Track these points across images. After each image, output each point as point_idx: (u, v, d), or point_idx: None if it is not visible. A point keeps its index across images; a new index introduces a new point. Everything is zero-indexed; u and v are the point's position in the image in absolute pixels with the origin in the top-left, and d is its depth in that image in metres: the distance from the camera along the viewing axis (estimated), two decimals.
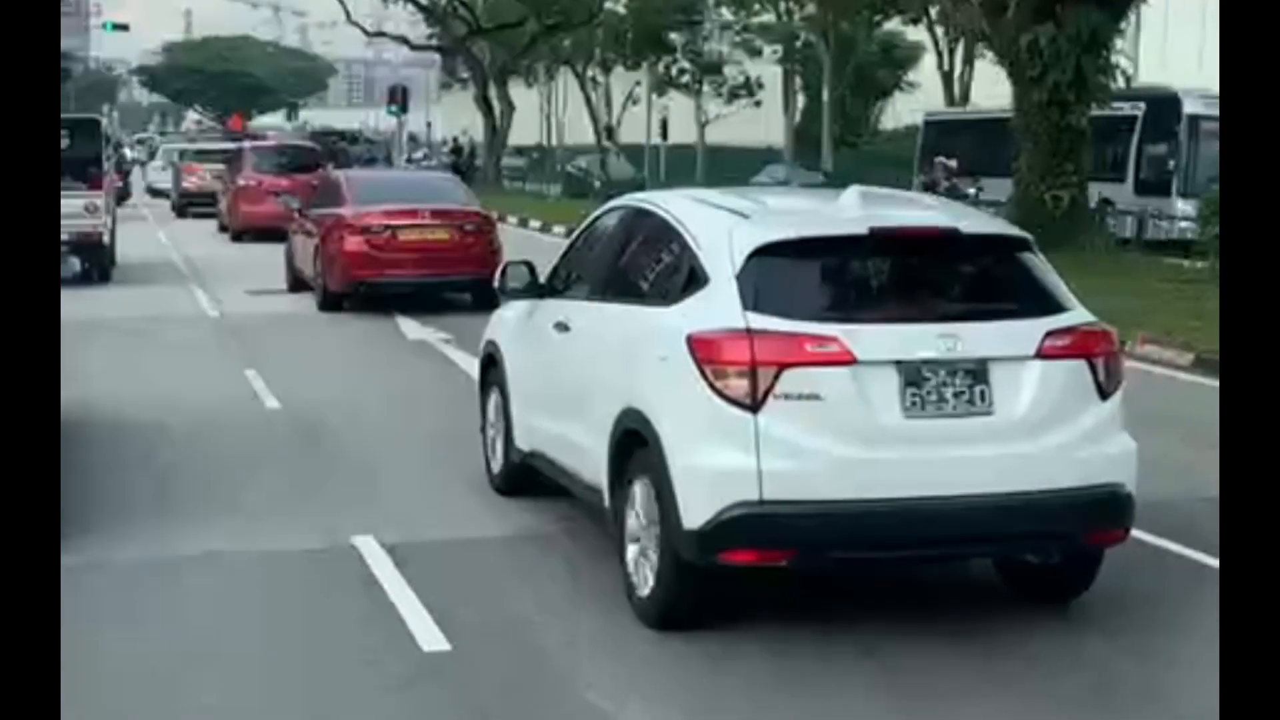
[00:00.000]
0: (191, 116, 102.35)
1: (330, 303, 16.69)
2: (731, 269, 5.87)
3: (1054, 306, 5.99)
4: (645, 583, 6.09)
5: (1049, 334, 5.83)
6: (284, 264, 18.94)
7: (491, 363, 8.27)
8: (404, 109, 46.79)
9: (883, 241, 5.96)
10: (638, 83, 55.98)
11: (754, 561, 5.71)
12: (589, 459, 6.64)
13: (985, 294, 6.13)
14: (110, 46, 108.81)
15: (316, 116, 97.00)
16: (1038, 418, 5.77)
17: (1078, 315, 6.02)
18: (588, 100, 61.05)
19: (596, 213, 7.62)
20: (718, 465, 5.65)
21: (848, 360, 5.60)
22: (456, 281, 16.63)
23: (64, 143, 18.29)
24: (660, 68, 54.70)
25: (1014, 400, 5.75)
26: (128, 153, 44.28)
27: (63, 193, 17.23)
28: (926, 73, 48.37)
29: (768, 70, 51.56)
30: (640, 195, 7.55)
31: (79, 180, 18.12)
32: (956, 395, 5.71)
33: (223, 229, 28.66)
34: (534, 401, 7.57)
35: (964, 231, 6.12)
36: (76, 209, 17.77)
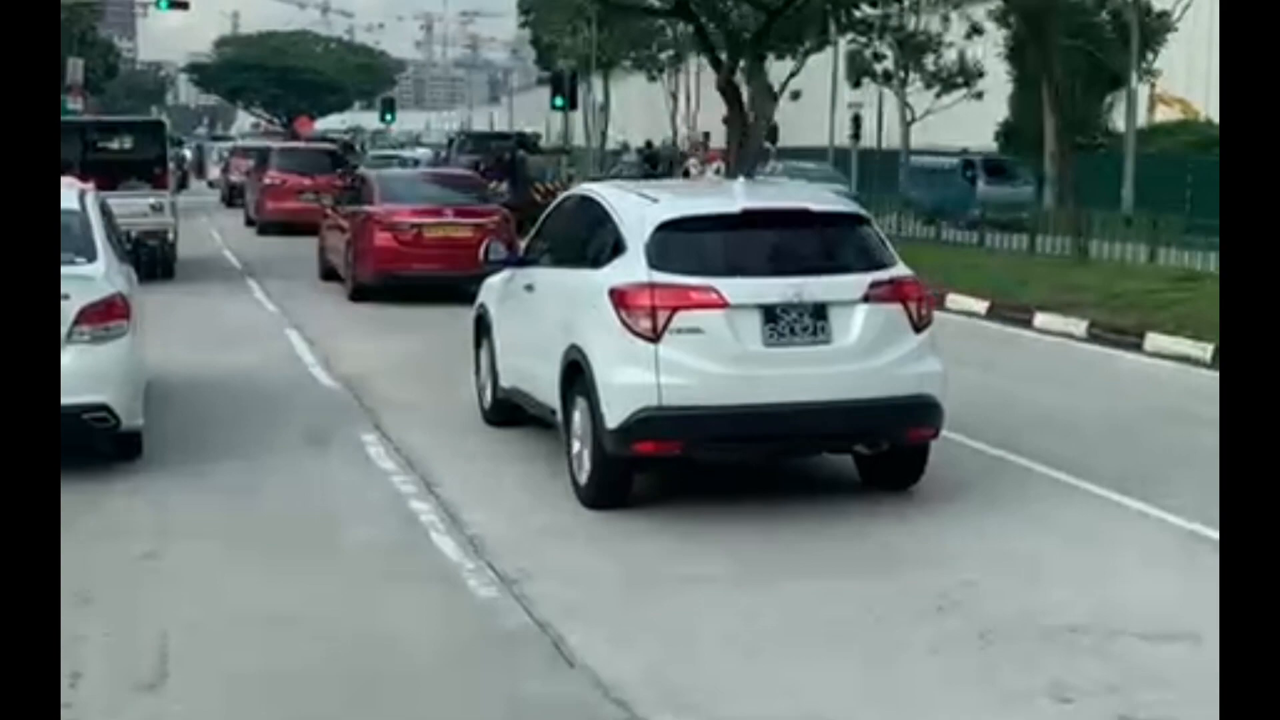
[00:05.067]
0: (247, 120, 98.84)
1: (360, 293, 19.45)
2: (642, 240, 8.59)
3: (879, 264, 8.69)
4: (583, 474, 8.80)
5: (873, 284, 8.51)
6: (317, 257, 21.85)
7: (481, 320, 11.07)
8: (572, 102, 41.92)
9: (752, 217, 8.71)
10: (792, 73, 48.04)
11: (655, 450, 8.42)
12: (547, 386, 9.36)
13: (827, 255, 8.81)
14: (156, 47, 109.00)
15: (369, 120, 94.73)
16: (864, 346, 8.45)
17: (898, 270, 8.71)
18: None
19: (557, 200, 10.42)
20: (629, 381, 8.35)
21: (722, 304, 8.29)
22: (479, 276, 19.24)
23: (129, 143, 21.07)
24: (842, 44, 44.95)
25: (846, 333, 8.44)
26: (186, 153, 47.80)
27: (130, 192, 19.94)
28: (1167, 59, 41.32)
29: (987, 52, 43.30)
30: (586, 186, 10.29)
31: (144, 180, 20.56)
32: (803, 329, 8.39)
33: (249, 223, 32.33)
34: (511, 347, 10.36)
35: (812, 209, 8.86)
36: (142, 208, 19.91)
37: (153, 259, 19.78)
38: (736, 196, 8.97)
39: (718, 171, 21.69)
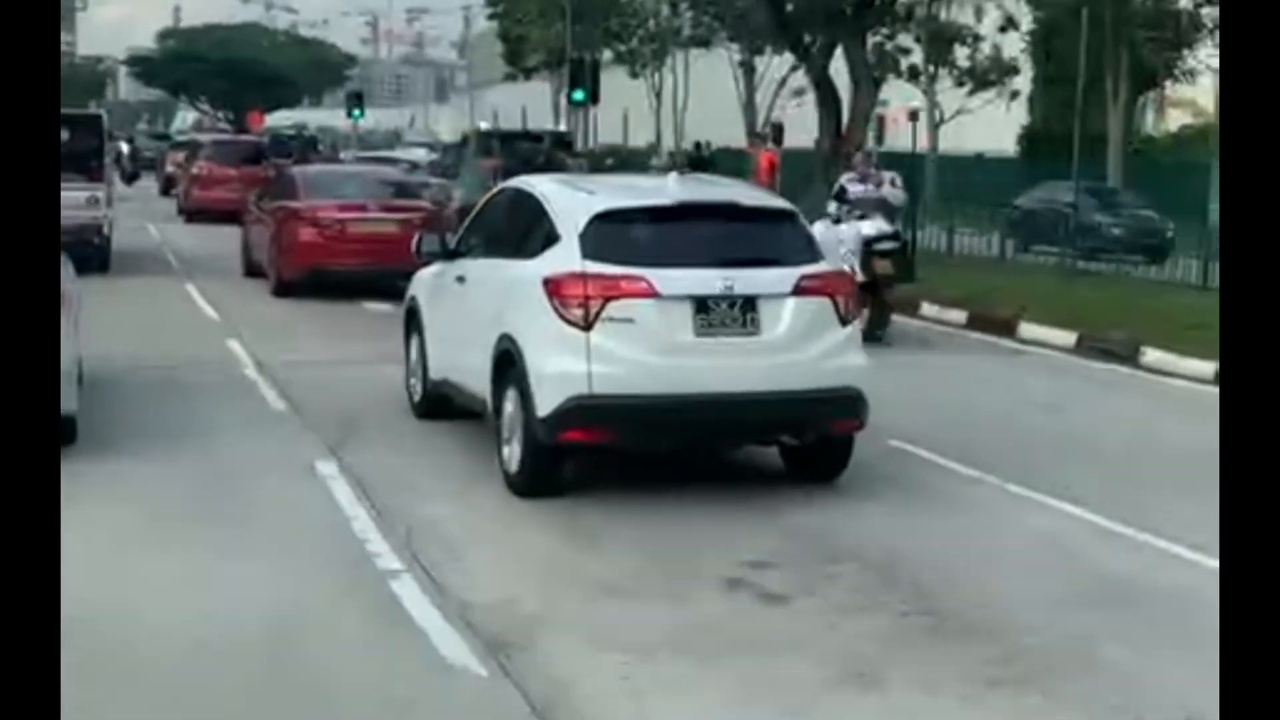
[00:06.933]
0: (190, 115, 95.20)
1: (283, 289, 19.52)
2: (576, 230, 8.84)
3: (809, 259, 8.99)
4: (512, 463, 9.02)
5: (802, 278, 8.81)
6: (240, 251, 21.89)
7: (412, 313, 11.27)
8: (595, 95, 36.61)
9: (685, 210, 9.00)
10: (794, 68, 43.56)
11: (585, 439, 8.66)
12: (479, 376, 9.57)
13: (757, 249, 9.09)
14: (96, 41, 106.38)
15: (313, 117, 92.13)
16: (793, 338, 8.74)
17: (827, 265, 9.00)
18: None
19: (490, 192, 10.65)
20: (561, 370, 8.59)
21: (654, 294, 8.55)
22: (403, 271, 19.36)
23: (66, 137, 20.98)
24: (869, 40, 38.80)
25: (775, 325, 8.72)
26: (123, 147, 46.72)
27: (65, 186, 19.84)
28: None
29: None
30: (521, 179, 10.52)
31: (80, 174, 20.41)
32: (733, 321, 8.67)
33: (180, 211, 34.57)
34: (442, 339, 10.57)
35: (742, 204, 9.14)
36: (78, 201, 19.81)
37: (88, 253, 19.74)
38: (672, 189, 9.24)
39: (893, 183, 17.18)
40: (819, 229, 15.65)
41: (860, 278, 14.75)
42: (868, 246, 15.76)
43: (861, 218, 16.20)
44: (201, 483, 9.09)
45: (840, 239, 15.66)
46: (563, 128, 43.42)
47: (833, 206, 16.65)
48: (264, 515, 8.40)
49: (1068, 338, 15.92)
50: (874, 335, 14.75)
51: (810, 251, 9.09)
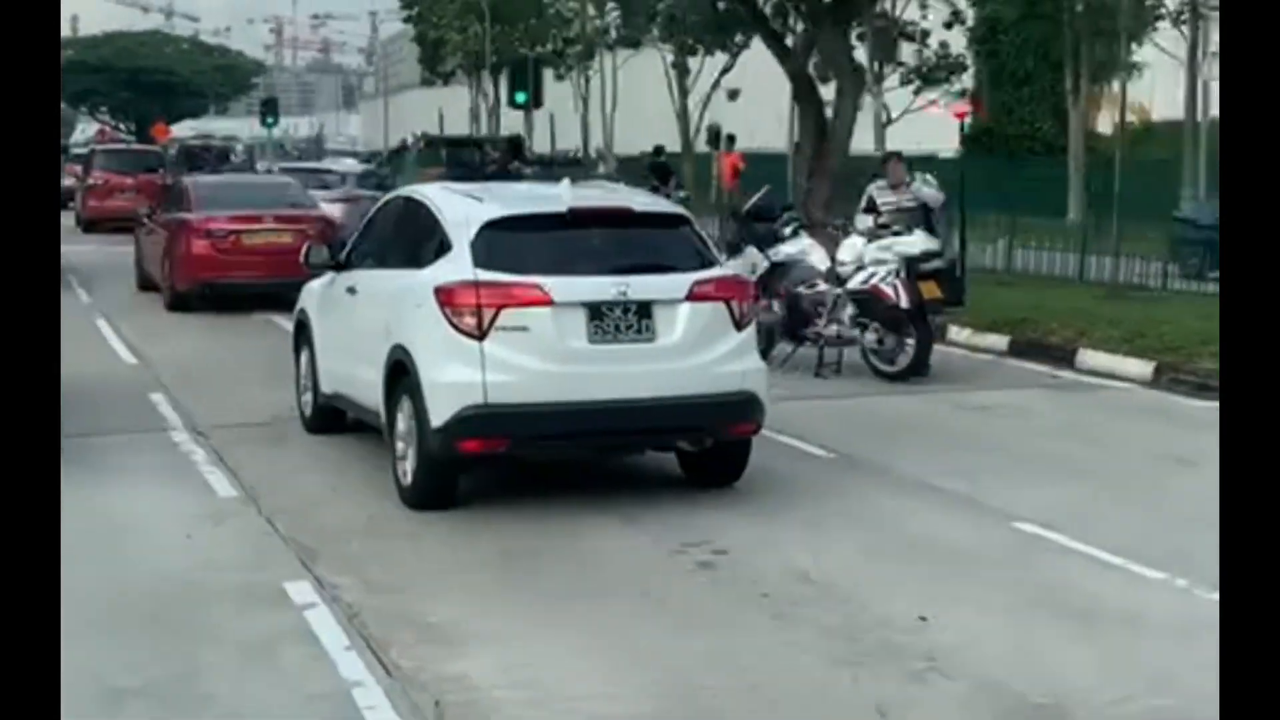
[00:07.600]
0: (92, 127, 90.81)
1: (177, 303, 19.23)
2: (467, 238, 8.74)
3: (703, 264, 8.97)
4: (406, 475, 8.90)
5: (696, 283, 8.78)
6: (134, 265, 21.54)
7: (302, 326, 11.13)
8: (537, 98, 35.00)
9: (578, 217, 8.92)
10: (725, 70, 43.84)
11: (480, 449, 8.57)
12: (371, 389, 9.45)
13: (651, 254, 9.06)
14: None
15: (219, 126, 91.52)
16: (688, 343, 8.71)
17: (721, 270, 8.98)
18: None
19: (380, 201, 10.53)
20: (454, 379, 8.49)
21: (547, 302, 8.47)
22: (299, 283, 19.10)
23: None
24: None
25: (670, 331, 8.68)
26: None
27: None
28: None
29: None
30: (410, 187, 10.42)
31: None
32: (628, 327, 8.62)
33: (77, 222, 34.43)
34: (333, 352, 10.44)
35: (636, 210, 9.11)
36: None
37: None
38: (564, 195, 9.19)
39: (925, 182, 14.98)
40: (850, 246, 14.12)
41: (904, 303, 13.25)
42: (910, 266, 13.50)
43: (897, 233, 14.05)
44: (140, 633, 6.50)
45: (878, 259, 13.68)
46: (518, 132, 42.52)
47: (864, 221, 14.60)
48: (227, 689, 5.82)
49: (1142, 368, 13.60)
50: (918, 368, 13.32)
51: (705, 256, 9.07)
